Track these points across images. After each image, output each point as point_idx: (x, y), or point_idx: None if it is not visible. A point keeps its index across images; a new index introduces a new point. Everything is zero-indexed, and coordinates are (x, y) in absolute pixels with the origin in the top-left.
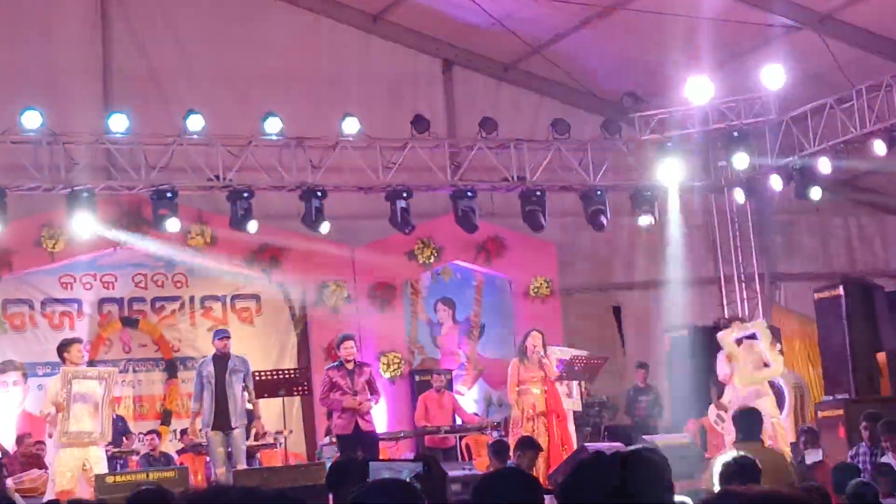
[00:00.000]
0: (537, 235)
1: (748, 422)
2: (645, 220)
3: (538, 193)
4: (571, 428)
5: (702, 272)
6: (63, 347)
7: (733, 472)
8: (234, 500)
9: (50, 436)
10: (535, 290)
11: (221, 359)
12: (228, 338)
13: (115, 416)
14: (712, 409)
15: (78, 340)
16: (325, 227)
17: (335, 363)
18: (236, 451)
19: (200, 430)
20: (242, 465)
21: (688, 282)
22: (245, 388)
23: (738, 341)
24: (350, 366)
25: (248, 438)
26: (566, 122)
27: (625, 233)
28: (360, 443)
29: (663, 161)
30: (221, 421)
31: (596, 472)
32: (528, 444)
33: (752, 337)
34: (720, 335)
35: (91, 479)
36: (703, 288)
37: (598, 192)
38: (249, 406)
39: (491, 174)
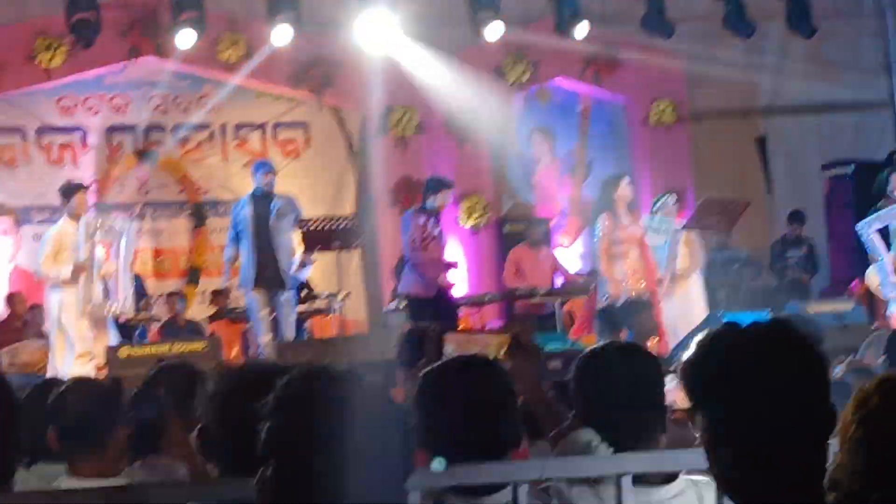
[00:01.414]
0: (660, 45)
1: None
2: (801, 26)
3: None
4: (696, 293)
5: (872, 92)
6: (69, 192)
7: None
8: (290, 381)
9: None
10: (658, 115)
11: (263, 199)
12: (273, 173)
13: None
14: (873, 270)
15: (83, 188)
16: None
17: (422, 207)
18: (283, 317)
19: (218, 295)
20: (290, 336)
21: (854, 105)
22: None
23: None
24: (433, 212)
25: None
26: None
27: (773, 41)
28: (438, 308)
29: None
30: (268, 277)
31: (729, 347)
32: (636, 306)
33: None
34: None
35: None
36: (874, 113)
37: None
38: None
39: None
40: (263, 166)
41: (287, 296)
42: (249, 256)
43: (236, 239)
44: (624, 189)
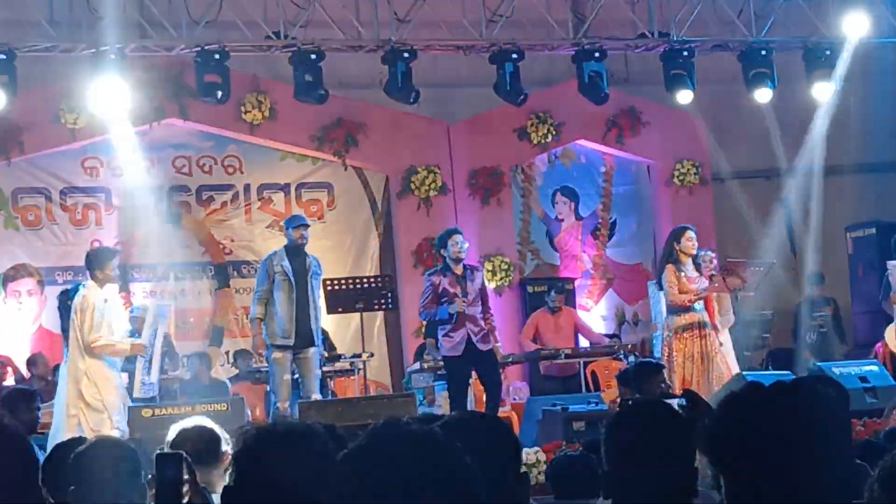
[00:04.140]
0: (684, 107)
1: None
2: (822, 88)
3: (685, 54)
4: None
5: (895, 154)
6: (98, 260)
7: None
8: (324, 440)
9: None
10: (681, 177)
11: (298, 254)
12: (307, 227)
13: None
14: (892, 330)
15: (116, 252)
16: (413, 98)
17: (438, 267)
18: (309, 376)
19: (237, 360)
20: (317, 396)
21: (877, 166)
22: None
23: None
24: (459, 270)
25: None
26: None
27: (796, 104)
28: (474, 365)
29: (847, 11)
30: (302, 337)
31: (749, 407)
32: (647, 370)
33: None
34: None
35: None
36: None
37: (763, 52)
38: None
39: (624, 29)
40: (298, 220)
41: (314, 350)
42: (288, 311)
43: (269, 293)
44: (686, 242)
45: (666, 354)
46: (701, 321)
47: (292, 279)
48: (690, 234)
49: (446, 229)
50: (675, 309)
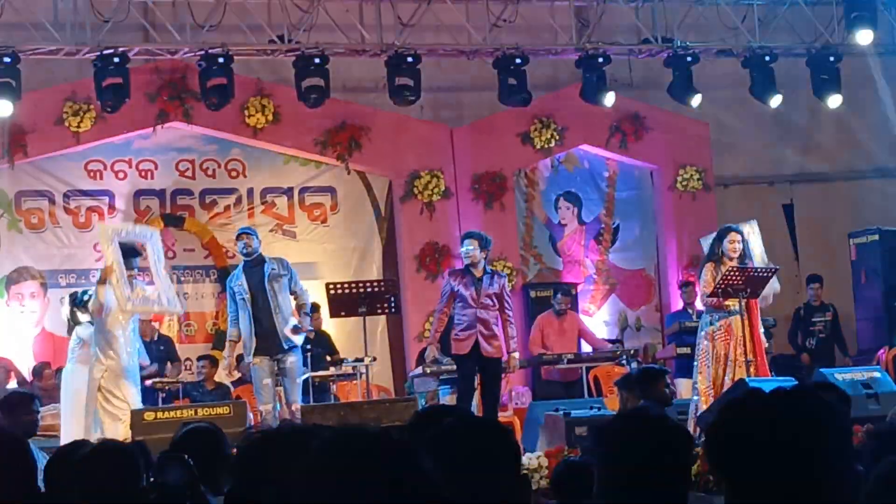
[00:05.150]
0: (687, 113)
1: None
2: (829, 96)
3: (689, 59)
4: None
5: None
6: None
7: None
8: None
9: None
10: (684, 182)
11: (253, 265)
12: (248, 235)
13: (157, 337)
14: None
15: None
16: (417, 102)
17: (460, 267)
18: (288, 383)
19: (241, 363)
20: (297, 398)
21: (881, 173)
22: (294, 294)
23: None
24: (479, 272)
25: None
26: None
27: (800, 110)
28: (479, 368)
29: (853, 17)
30: (267, 344)
31: (749, 413)
32: (651, 375)
33: None
34: None
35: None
36: None
37: (767, 58)
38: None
39: (628, 35)
40: (238, 231)
41: (292, 360)
42: (249, 328)
43: (237, 314)
44: (728, 244)
45: (701, 351)
46: (735, 320)
47: (248, 297)
48: (734, 235)
49: (467, 232)
50: (709, 308)
